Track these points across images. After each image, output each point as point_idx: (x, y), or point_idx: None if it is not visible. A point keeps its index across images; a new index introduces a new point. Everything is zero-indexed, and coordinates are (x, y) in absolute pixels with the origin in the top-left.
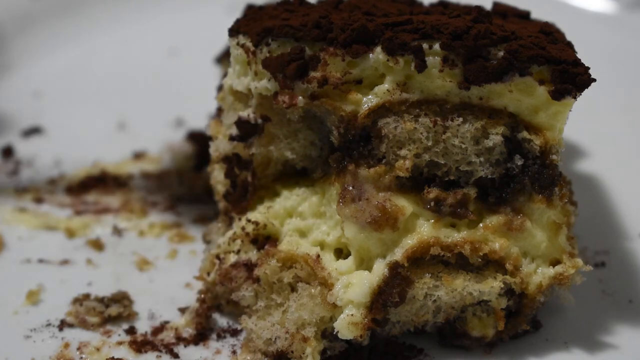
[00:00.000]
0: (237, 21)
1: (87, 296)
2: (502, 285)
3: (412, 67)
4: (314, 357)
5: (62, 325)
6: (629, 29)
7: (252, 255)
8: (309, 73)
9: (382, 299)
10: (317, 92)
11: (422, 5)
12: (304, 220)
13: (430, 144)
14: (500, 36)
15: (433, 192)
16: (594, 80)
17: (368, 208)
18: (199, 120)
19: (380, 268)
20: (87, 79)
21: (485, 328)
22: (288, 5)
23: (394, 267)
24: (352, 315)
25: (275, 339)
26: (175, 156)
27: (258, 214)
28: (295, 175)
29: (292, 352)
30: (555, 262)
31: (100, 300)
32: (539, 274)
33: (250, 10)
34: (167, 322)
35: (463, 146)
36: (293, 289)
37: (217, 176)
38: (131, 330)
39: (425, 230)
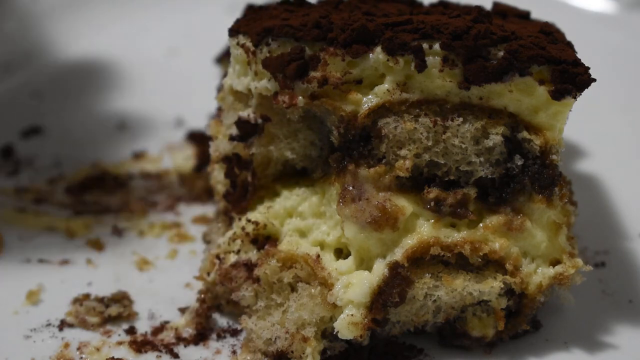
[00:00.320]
0: (237, 21)
1: (87, 296)
2: (502, 285)
3: (412, 67)
4: (314, 357)
5: (62, 325)
6: (629, 29)
7: (252, 255)
8: (309, 73)
9: (382, 299)
10: (317, 92)
11: (422, 5)
12: (304, 220)
13: (430, 144)
14: (500, 36)
15: (433, 192)
16: (594, 80)
17: (368, 208)
18: (199, 120)
19: (380, 268)
20: (87, 79)
21: (485, 328)
22: (288, 5)
23: (394, 267)
24: (352, 315)
25: (275, 339)
26: (175, 156)
27: (258, 214)
28: (295, 175)
29: (292, 352)
30: (555, 262)
31: (100, 300)
32: (539, 274)
33: (250, 10)
34: (167, 322)
35: (463, 146)
36: (293, 289)
37: (217, 176)
38: (131, 330)
39: (425, 230)
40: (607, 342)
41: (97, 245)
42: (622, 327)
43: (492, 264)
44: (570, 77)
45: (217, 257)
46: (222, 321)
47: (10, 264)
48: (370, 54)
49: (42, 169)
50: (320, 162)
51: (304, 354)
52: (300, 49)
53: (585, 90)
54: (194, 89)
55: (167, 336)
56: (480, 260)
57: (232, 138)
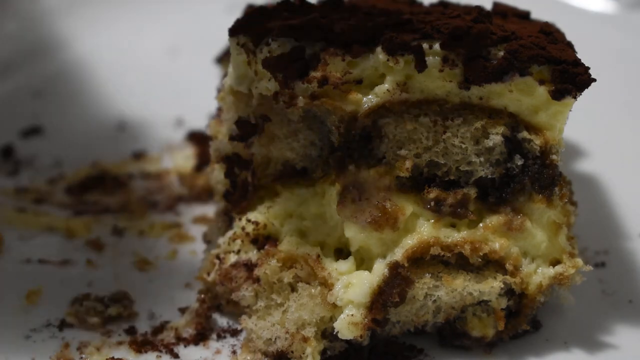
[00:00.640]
0: (237, 21)
1: (87, 296)
2: (502, 285)
3: (412, 67)
4: (314, 357)
5: (62, 325)
6: (629, 29)
7: (252, 255)
8: (309, 73)
9: (382, 299)
10: (317, 92)
11: (422, 5)
12: (304, 220)
13: (430, 143)
14: (500, 36)
15: (433, 192)
16: (594, 80)
17: (368, 208)
18: (199, 120)
19: (380, 268)
20: (87, 79)
21: (485, 328)
22: (288, 5)
23: (394, 267)
24: (352, 315)
25: (275, 339)
26: (175, 156)
27: (258, 214)
28: (295, 175)
29: (292, 352)
30: (555, 262)
31: (100, 300)
32: (539, 274)
33: (250, 10)
34: (167, 322)
35: (463, 146)
36: (293, 289)
37: (217, 176)
38: (131, 330)
39: (425, 230)
40: (607, 342)
41: (97, 245)
42: (622, 327)
43: (492, 264)
44: (570, 77)
45: (217, 257)
46: (222, 321)
47: (10, 264)
48: (371, 54)
49: (42, 169)
50: (320, 162)
51: (304, 354)
52: (300, 49)
53: (585, 90)
54: (194, 89)
55: (167, 336)
56: (480, 260)
57: (232, 138)
